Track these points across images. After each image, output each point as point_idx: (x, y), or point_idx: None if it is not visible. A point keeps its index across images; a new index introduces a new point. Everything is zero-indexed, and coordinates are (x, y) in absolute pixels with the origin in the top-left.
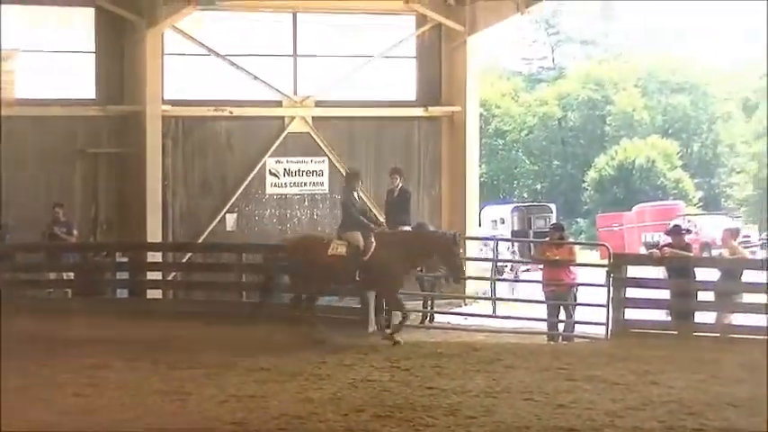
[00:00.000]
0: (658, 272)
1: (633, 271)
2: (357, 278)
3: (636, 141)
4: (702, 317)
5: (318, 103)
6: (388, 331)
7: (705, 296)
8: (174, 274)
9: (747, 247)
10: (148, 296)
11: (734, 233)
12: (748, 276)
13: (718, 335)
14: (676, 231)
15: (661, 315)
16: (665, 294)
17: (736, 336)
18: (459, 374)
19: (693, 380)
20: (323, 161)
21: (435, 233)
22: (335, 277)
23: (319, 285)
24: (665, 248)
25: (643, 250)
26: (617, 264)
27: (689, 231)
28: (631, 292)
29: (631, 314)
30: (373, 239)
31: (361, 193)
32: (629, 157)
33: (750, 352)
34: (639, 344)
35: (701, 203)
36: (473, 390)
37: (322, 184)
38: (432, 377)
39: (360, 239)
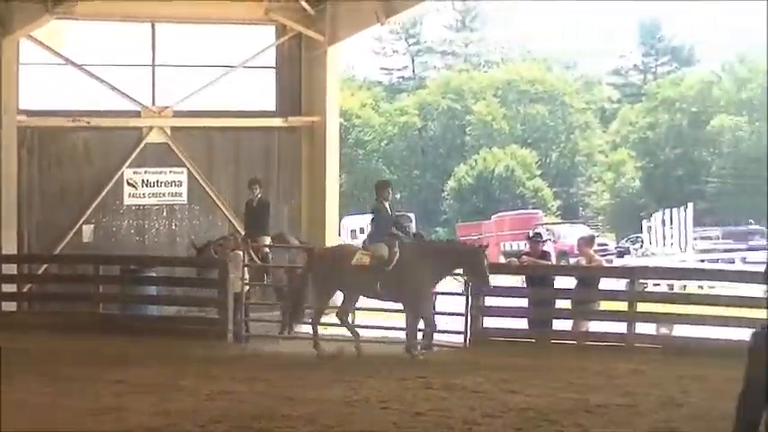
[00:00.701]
0: (517, 280)
1: (492, 280)
2: (378, 289)
3: (495, 151)
4: (560, 324)
5: (177, 114)
6: (418, 351)
7: (563, 304)
8: (29, 285)
9: (604, 255)
10: (3, 308)
11: (589, 241)
12: (604, 284)
13: (575, 342)
14: (535, 240)
15: (519, 323)
16: (523, 303)
17: (592, 343)
18: (318, 384)
19: (550, 387)
20: (182, 172)
21: (463, 246)
22: (356, 288)
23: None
24: (524, 257)
25: (502, 259)
26: None
27: (547, 241)
28: (490, 301)
29: (490, 322)
30: (398, 250)
31: (389, 204)
32: (488, 167)
33: (606, 359)
34: (498, 352)
35: (559, 212)
36: (332, 399)
37: (180, 194)
38: (291, 387)
39: (384, 250)
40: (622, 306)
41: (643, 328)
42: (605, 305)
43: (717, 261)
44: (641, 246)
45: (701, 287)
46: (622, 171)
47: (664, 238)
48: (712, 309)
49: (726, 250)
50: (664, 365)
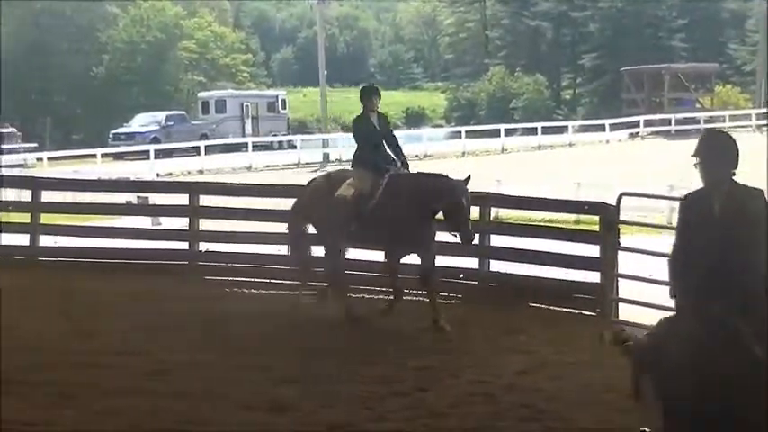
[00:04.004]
0: None
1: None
2: (352, 229)
3: None
4: None
5: None
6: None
7: None
8: None
9: None
10: None
11: None
12: None
13: None
14: None
15: None
16: None
17: None
18: None
19: None
20: None
21: (447, 180)
22: (332, 227)
23: (319, 239)
24: None
25: None
26: None
27: None
28: None
29: None
30: (383, 182)
31: (378, 117)
32: None
33: None
34: None
35: None
36: None
37: None
38: None
39: (366, 181)
40: None
41: None
42: None
43: None
44: None
45: None
46: None
47: None
48: None
49: None
50: None
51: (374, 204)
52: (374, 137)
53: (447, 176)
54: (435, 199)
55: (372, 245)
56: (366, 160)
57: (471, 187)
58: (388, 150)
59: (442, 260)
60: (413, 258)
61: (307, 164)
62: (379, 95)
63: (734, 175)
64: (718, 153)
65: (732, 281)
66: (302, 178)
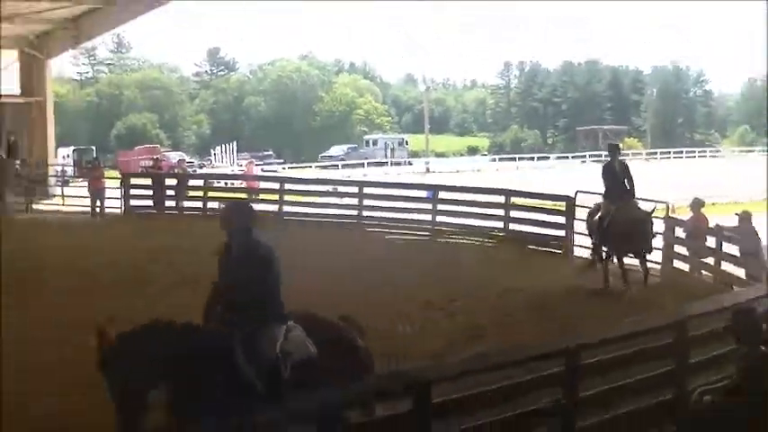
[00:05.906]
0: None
1: None
2: (597, 237)
3: None
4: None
5: None
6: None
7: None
8: None
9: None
10: None
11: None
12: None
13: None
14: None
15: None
16: None
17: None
18: None
19: None
20: None
21: (640, 210)
22: (593, 235)
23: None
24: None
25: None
26: None
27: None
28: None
29: None
30: (612, 210)
31: (619, 163)
32: None
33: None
34: None
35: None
36: None
37: None
38: None
39: (606, 208)
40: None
41: None
42: None
43: None
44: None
45: None
46: None
47: None
48: None
49: None
50: None
51: (606, 223)
52: (614, 178)
53: (639, 208)
54: (636, 221)
55: (607, 246)
56: (607, 194)
57: None
58: (626, 185)
59: None
60: None
61: (417, 173)
62: (619, 151)
63: (250, 231)
64: (239, 215)
65: (244, 302)
66: (415, 179)
